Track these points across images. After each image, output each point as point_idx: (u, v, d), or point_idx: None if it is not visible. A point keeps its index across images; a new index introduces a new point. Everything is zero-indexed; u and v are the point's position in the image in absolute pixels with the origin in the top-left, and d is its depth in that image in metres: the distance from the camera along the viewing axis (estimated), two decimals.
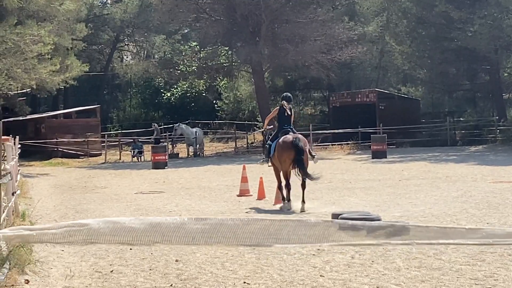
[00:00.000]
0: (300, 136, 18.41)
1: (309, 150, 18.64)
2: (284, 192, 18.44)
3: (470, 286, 8.90)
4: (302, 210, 17.51)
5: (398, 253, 10.86)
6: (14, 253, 9.48)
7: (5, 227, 12.20)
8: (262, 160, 20.14)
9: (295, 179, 18.24)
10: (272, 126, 20.38)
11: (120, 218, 3.25)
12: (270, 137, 19.41)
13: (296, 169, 17.93)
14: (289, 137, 18.15)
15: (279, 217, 15.77)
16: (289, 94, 19.97)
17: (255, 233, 3.06)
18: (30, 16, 38.56)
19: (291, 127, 18.89)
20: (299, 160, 17.77)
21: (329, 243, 3.06)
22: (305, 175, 17.83)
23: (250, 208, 18.62)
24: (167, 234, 3.26)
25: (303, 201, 17.77)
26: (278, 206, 18.68)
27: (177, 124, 50.70)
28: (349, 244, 3.10)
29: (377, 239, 3.12)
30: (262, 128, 21.74)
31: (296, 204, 17.96)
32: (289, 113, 18.95)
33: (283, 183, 18.52)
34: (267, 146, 19.12)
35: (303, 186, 18.02)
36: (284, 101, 19.10)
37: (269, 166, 19.59)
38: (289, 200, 18.21)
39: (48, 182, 31.30)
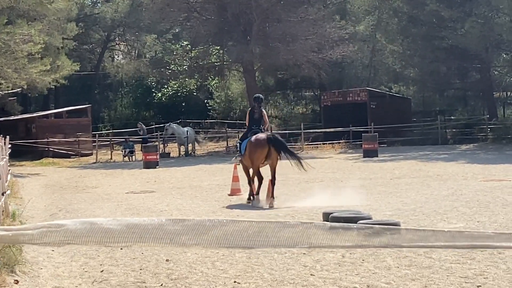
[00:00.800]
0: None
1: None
2: (255, 187, 19.37)
3: (460, 284, 8.90)
4: (271, 206, 18.42)
5: (388, 252, 10.85)
6: (3, 253, 9.44)
7: None
8: (235, 158, 21.12)
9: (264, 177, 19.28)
10: None
11: (97, 219, 3.22)
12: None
13: (268, 161, 19.15)
14: (262, 135, 19.08)
15: (261, 218, 15.82)
16: (260, 96, 20.61)
17: (234, 235, 3.04)
18: (21, 16, 38.47)
19: (260, 127, 19.75)
20: (284, 150, 19.15)
21: (309, 246, 3.04)
22: (297, 159, 19.40)
23: (239, 208, 18.62)
24: (144, 235, 3.23)
25: (272, 197, 18.71)
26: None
27: (168, 124, 50.61)
28: (330, 246, 3.07)
29: (358, 241, 3.10)
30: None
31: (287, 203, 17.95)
32: (259, 114, 19.79)
33: (255, 181, 19.50)
34: (238, 144, 20.29)
35: (273, 182, 18.93)
36: (256, 104, 19.92)
37: (238, 164, 20.58)
38: (257, 194, 19.17)
39: (38, 182, 31.22)
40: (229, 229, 3.05)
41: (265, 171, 19.68)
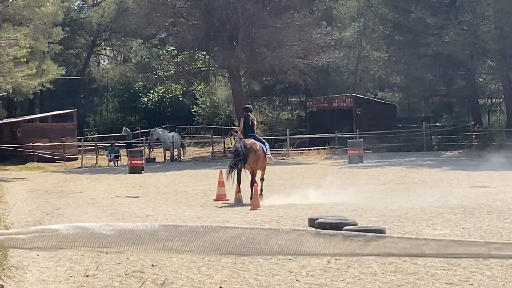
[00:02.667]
0: (252, 140, 21.33)
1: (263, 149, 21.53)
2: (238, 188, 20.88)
3: None
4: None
5: (374, 258, 10.87)
6: None
7: None
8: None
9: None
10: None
11: (90, 224, 3.23)
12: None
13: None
14: (246, 141, 21.13)
15: (247, 224, 15.82)
16: (250, 106, 23.19)
17: (226, 241, 3.05)
18: (6, 20, 38.36)
19: (254, 134, 21.92)
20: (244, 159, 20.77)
21: (300, 254, 3.06)
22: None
23: (225, 213, 18.64)
24: (138, 241, 3.24)
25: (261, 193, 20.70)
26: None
27: (153, 129, 50.54)
28: (322, 254, 3.10)
29: (351, 249, 3.12)
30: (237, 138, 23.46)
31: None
32: (252, 122, 21.86)
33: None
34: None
35: (252, 183, 20.76)
36: (248, 112, 21.87)
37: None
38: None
39: (24, 187, 31.11)
40: (222, 235, 3.07)
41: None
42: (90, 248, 3.28)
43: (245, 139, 21.24)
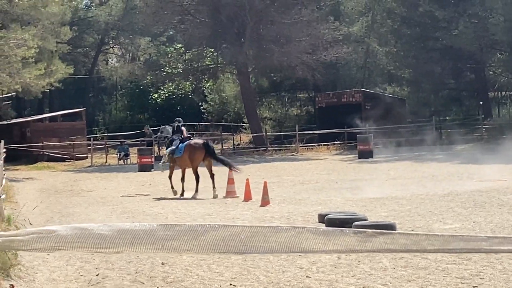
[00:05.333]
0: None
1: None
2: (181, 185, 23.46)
3: (456, 285, 8.90)
4: (215, 196, 22.14)
5: (384, 253, 10.83)
6: None
7: None
8: (162, 164, 25.53)
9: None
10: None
11: (88, 224, 3.20)
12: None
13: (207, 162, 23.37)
14: (199, 141, 24.10)
15: (257, 221, 15.79)
16: (179, 119, 26.04)
17: (226, 240, 3.02)
18: (14, 20, 38.43)
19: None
20: (213, 156, 23.52)
21: (301, 251, 3.02)
22: (226, 164, 23.28)
23: (235, 210, 18.61)
24: (136, 241, 3.21)
25: (214, 187, 22.58)
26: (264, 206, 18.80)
27: (163, 126, 50.39)
28: (323, 250, 3.06)
29: (352, 246, 3.08)
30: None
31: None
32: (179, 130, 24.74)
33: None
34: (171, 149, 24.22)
35: (212, 177, 23.03)
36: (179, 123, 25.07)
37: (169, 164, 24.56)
38: (196, 190, 22.91)
39: (34, 186, 31.16)
40: (221, 234, 3.03)
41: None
42: (89, 249, 3.25)
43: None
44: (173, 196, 23.29)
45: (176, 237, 3.10)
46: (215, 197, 22.14)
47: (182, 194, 23.29)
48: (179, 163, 23.85)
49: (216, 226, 3.03)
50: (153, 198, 23.27)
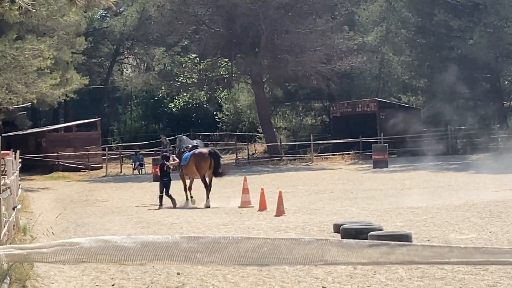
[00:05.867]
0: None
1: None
2: (189, 193, 24.11)
3: None
4: (207, 206, 22.65)
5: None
6: (15, 267, 9.42)
7: (6, 242, 12.16)
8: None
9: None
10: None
11: (112, 237, 3.21)
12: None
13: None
14: (204, 150, 24.67)
15: (272, 231, 15.76)
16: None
17: (248, 252, 3.01)
18: (30, 31, 38.58)
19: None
20: (218, 165, 23.80)
21: (324, 263, 3.01)
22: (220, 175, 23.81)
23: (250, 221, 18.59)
24: (159, 253, 3.21)
25: (208, 198, 23.09)
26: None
27: (180, 135, 50.35)
28: (344, 263, 3.05)
29: (374, 258, 3.07)
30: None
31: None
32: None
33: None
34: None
35: (209, 187, 23.50)
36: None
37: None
38: (207, 197, 23.25)
39: (49, 196, 31.23)
40: (244, 246, 3.03)
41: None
42: (113, 261, 3.25)
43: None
44: (195, 206, 23.52)
45: (199, 249, 3.10)
46: (207, 206, 22.72)
47: (186, 203, 23.92)
48: (186, 171, 24.43)
49: (239, 238, 3.02)
50: (168, 208, 23.27)
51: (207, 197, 23.12)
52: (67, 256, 3.18)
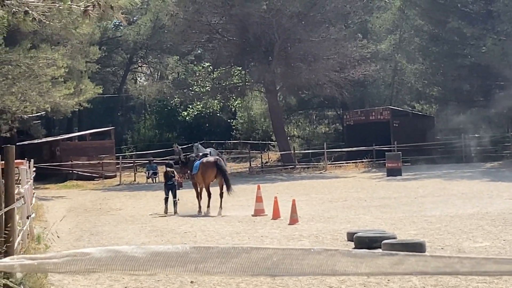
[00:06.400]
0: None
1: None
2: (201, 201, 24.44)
3: None
4: (220, 214, 22.85)
5: None
6: (29, 277, 9.47)
7: (20, 251, 12.23)
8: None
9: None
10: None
11: (122, 247, 3.23)
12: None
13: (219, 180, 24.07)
14: (211, 158, 24.73)
15: (288, 243, 15.75)
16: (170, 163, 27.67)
17: (258, 262, 3.02)
18: (44, 40, 38.77)
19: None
20: (224, 175, 23.97)
21: (333, 274, 3.02)
22: (228, 187, 23.69)
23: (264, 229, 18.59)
24: (169, 263, 3.23)
25: (221, 207, 23.34)
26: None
27: (196, 143, 50.41)
28: (354, 273, 3.06)
29: (384, 268, 3.08)
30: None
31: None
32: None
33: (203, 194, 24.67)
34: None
35: (221, 195, 23.72)
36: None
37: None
38: (208, 206, 23.89)
39: (63, 205, 31.33)
40: (254, 256, 3.04)
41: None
42: (123, 271, 3.28)
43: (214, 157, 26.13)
44: (211, 214, 23.67)
45: (209, 260, 3.12)
46: (219, 214, 23.01)
47: (199, 211, 24.20)
48: (197, 180, 24.90)
49: (249, 248, 3.04)
50: (182, 216, 23.32)
51: (220, 206, 23.41)
52: (78, 266, 3.21)
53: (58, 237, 15.62)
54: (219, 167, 24.13)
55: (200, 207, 24.35)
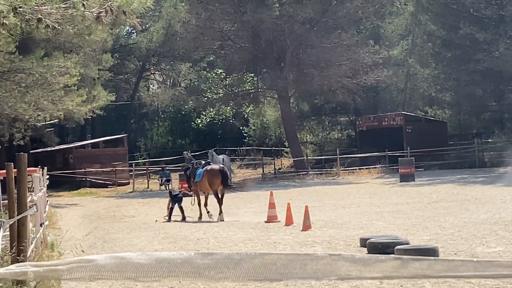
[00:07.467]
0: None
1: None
2: (204, 209, 24.76)
3: None
4: (221, 220, 23.44)
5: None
6: (42, 284, 9.50)
7: (34, 258, 12.26)
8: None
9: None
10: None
11: (127, 253, 3.24)
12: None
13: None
14: (216, 166, 25.56)
15: (300, 250, 15.75)
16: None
17: (262, 268, 3.03)
18: (57, 48, 38.88)
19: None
20: (225, 184, 24.70)
21: (336, 278, 3.03)
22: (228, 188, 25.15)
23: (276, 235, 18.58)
24: (174, 269, 3.25)
25: (220, 212, 23.81)
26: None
27: (211, 150, 50.41)
28: (359, 277, 3.06)
29: (387, 272, 3.08)
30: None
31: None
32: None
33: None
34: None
35: (221, 201, 24.10)
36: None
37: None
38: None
39: (76, 212, 31.41)
40: (258, 262, 3.05)
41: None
42: (127, 278, 3.30)
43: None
44: (212, 220, 23.94)
45: (213, 266, 3.13)
46: (221, 220, 23.55)
47: (200, 218, 24.63)
48: (200, 187, 25.14)
49: (253, 254, 3.05)
50: (194, 223, 23.34)
51: (220, 211, 23.80)
52: (83, 273, 3.22)
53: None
54: (223, 175, 24.67)
55: (201, 214, 24.71)
